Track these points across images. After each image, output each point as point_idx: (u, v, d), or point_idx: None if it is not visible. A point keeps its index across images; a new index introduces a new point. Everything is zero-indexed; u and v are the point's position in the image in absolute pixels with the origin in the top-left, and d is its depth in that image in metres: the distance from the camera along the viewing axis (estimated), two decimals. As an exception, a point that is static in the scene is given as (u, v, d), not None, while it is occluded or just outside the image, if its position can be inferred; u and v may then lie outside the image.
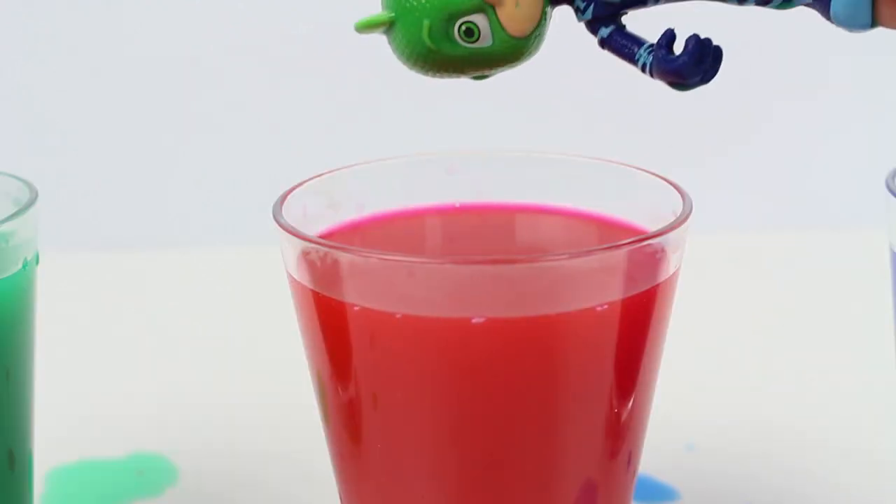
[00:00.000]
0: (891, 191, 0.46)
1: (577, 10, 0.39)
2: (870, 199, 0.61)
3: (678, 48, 0.38)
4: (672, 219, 0.41)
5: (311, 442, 0.51)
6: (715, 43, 0.37)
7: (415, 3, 0.38)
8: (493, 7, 0.38)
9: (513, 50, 0.38)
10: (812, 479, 0.56)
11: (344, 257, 0.39)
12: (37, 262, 0.47)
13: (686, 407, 0.62)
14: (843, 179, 0.85)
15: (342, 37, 0.91)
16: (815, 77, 0.89)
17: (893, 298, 0.49)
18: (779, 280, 0.78)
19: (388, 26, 0.38)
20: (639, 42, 0.38)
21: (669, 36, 0.38)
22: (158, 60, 0.87)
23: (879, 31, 0.36)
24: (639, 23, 0.40)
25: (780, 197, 0.88)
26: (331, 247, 0.40)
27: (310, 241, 0.40)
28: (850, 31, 0.36)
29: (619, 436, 0.42)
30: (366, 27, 0.38)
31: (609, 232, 0.44)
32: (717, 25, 0.40)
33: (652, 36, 0.38)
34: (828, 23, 0.37)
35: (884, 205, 0.46)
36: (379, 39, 0.39)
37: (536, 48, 0.39)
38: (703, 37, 0.37)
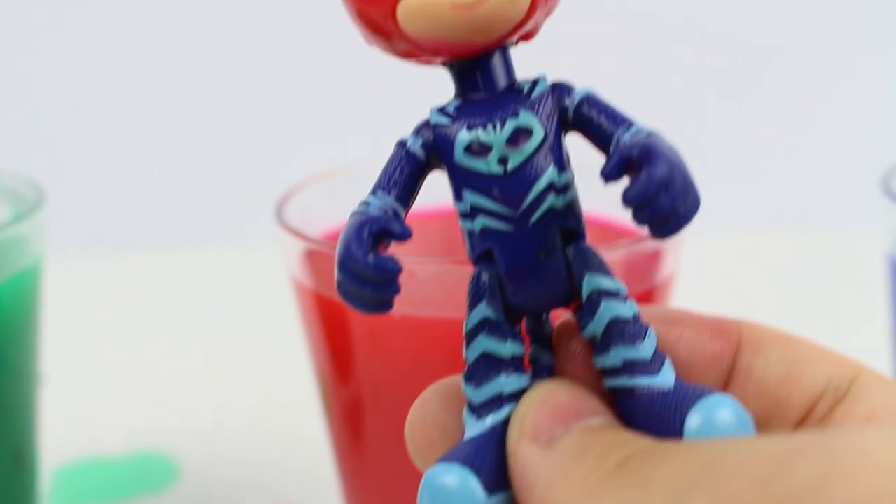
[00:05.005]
0: (889, 191, 0.46)
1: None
2: (869, 199, 0.62)
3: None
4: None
5: (313, 441, 0.51)
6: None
7: None
8: None
9: None
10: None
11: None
12: (43, 263, 0.47)
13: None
14: (841, 179, 0.85)
15: (343, 37, 0.91)
16: (814, 78, 0.89)
17: (889, 300, 0.49)
18: (778, 280, 0.78)
19: None
20: None
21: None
22: (161, 61, 0.87)
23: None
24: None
25: (779, 197, 0.88)
26: (332, 247, 0.40)
27: (312, 240, 0.41)
28: None
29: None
30: None
31: (608, 232, 0.44)
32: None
33: None
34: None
35: (882, 205, 0.47)
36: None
37: None
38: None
